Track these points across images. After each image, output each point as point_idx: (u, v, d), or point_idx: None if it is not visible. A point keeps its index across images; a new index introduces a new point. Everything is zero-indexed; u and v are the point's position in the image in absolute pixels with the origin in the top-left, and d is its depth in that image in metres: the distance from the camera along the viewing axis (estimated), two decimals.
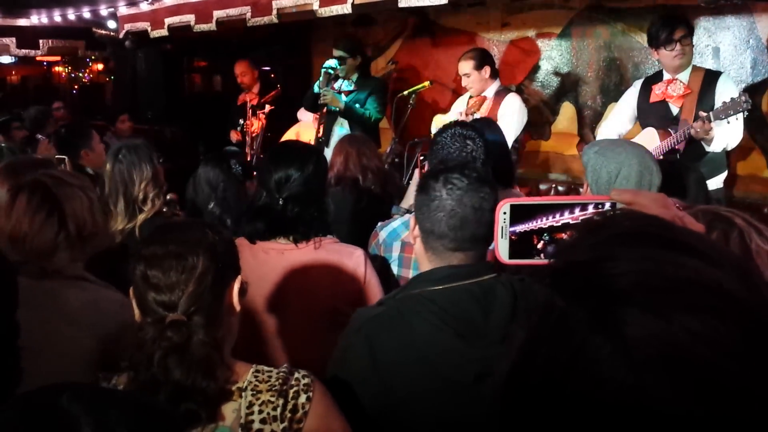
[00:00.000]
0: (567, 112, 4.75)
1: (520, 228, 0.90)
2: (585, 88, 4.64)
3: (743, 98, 2.99)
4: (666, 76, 3.44)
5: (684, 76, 3.38)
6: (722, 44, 3.94)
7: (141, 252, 1.27)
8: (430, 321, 1.38)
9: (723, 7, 3.25)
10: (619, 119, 3.70)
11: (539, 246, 0.90)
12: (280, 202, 1.96)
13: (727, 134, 3.19)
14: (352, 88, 4.61)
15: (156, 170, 2.60)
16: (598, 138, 3.77)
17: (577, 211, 0.87)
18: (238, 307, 1.33)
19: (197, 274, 1.22)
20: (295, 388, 1.26)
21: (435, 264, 1.49)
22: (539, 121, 4.73)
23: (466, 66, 4.06)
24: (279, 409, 1.22)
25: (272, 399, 1.23)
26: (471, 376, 1.33)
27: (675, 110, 3.37)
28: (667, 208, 0.86)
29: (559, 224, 0.88)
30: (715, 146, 3.19)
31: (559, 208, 0.89)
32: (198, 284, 1.22)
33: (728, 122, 3.09)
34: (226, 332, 1.30)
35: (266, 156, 2.07)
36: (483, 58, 4.09)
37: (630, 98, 3.64)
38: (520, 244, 0.90)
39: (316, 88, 4.44)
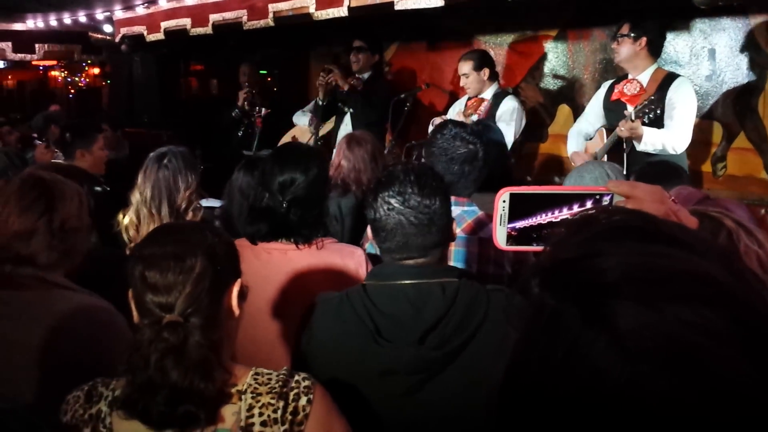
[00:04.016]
0: (563, 114, 4.76)
1: (521, 224, 0.91)
2: (581, 90, 4.64)
3: (654, 97, 3.13)
4: (630, 75, 3.50)
5: (645, 76, 3.42)
6: (718, 46, 3.95)
7: (140, 252, 1.26)
8: (356, 312, 1.45)
9: (718, 8, 3.25)
10: (586, 119, 3.77)
11: (536, 237, 0.91)
12: (284, 205, 1.95)
13: (663, 136, 3.20)
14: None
15: (198, 180, 2.56)
16: (568, 137, 3.86)
17: (575, 207, 0.88)
18: (237, 311, 1.32)
19: (195, 276, 1.22)
20: (295, 391, 1.25)
21: None
22: (536, 123, 4.74)
23: (465, 66, 4.11)
24: (279, 412, 1.21)
25: (272, 401, 1.22)
26: (375, 372, 1.42)
27: (630, 109, 3.38)
28: (662, 202, 0.86)
29: (558, 220, 0.89)
30: (646, 146, 3.21)
31: (558, 198, 0.90)
32: (195, 285, 1.22)
33: (658, 122, 3.12)
34: (224, 335, 1.29)
35: (270, 158, 2.04)
36: (482, 60, 4.13)
37: (598, 97, 3.72)
38: (519, 234, 0.93)
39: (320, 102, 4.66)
